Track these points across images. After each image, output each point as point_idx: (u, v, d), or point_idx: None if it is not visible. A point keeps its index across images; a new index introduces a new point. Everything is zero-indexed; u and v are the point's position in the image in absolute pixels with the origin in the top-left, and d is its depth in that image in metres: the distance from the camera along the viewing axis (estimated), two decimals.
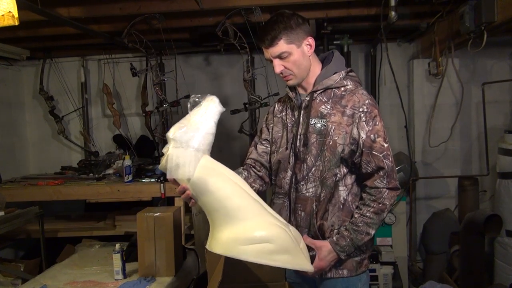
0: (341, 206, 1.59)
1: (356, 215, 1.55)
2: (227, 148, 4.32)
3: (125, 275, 2.35)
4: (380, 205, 1.51)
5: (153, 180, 3.36)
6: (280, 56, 1.57)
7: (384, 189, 1.52)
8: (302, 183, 1.61)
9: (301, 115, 1.63)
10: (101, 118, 4.50)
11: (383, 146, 1.52)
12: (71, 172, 3.96)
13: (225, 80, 4.37)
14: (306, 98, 1.63)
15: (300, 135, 1.62)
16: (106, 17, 3.27)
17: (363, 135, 1.52)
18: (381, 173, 1.52)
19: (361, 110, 1.53)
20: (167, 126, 4.26)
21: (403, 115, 3.48)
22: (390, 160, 1.54)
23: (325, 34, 3.64)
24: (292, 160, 1.64)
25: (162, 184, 3.28)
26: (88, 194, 3.39)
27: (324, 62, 1.69)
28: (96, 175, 3.67)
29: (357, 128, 1.52)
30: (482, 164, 3.99)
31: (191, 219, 3.48)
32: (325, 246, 1.54)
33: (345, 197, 1.59)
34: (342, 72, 1.61)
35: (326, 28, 3.57)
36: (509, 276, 3.21)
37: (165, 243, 2.32)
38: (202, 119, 1.41)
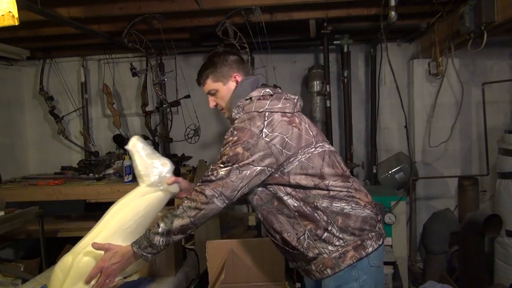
0: (296, 214, 1.59)
1: None
2: None
3: (125, 275, 2.35)
4: (182, 201, 1.57)
5: None
6: (210, 93, 1.76)
7: (195, 191, 1.56)
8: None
9: None
10: (101, 118, 4.50)
11: (217, 164, 1.57)
12: (71, 172, 3.96)
13: None
14: None
15: None
16: (106, 17, 3.27)
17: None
18: (202, 178, 1.58)
19: (225, 137, 1.60)
20: (167, 126, 4.26)
21: (403, 115, 3.48)
22: (214, 174, 1.54)
23: (325, 34, 3.65)
24: None
25: None
26: (88, 194, 3.39)
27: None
28: (96, 175, 3.67)
29: None
30: (482, 164, 3.99)
31: None
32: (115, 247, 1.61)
33: (296, 204, 1.59)
34: (235, 109, 1.65)
35: (326, 28, 3.57)
36: (509, 276, 3.21)
37: None
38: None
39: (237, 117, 1.63)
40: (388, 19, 3.02)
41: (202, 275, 2.56)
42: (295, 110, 1.66)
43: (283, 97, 1.65)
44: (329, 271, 1.58)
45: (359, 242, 1.58)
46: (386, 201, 3.33)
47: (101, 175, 3.68)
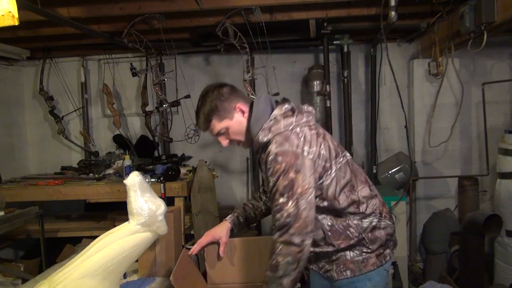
0: (329, 233, 1.60)
1: None
2: (227, 148, 4.31)
3: (125, 275, 2.35)
4: (273, 261, 1.47)
5: (153, 180, 3.36)
6: (219, 133, 1.68)
7: (278, 243, 1.46)
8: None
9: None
10: (101, 118, 4.50)
11: (278, 201, 1.47)
12: (71, 172, 3.96)
13: (225, 80, 4.31)
14: (256, 155, 1.70)
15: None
16: (106, 17, 3.27)
17: (271, 188, 1.52)
18: (276, 225, 1.48)
19: (268, 165, 1.52)
20: (167, 126, 4.26)
21: (403, 115, 3.49)
22: (285, 216, 1.44)
23: (325, 34, 3.65)
24: None
25: (162, 184, 3.27)
26: (88, 194, 3.39)
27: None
28: (96, 175, 3.67)
29: (269, 182, 1.53)
30: (482, 164, 3.99)
31: (191, 219, 3.48)
32: None
33: (330, 223, 1.60)
34: (261, 132, 1.58)
35: (326, 28, 3.57)
36: (509, 276, 3.21)
37: (165, 243, 2.32)
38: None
39: (265, 139, 1.56)
40: (388, 19, 3.02)
41: (202, 275, 2.55)
42: (316, 122, 1.64)
43: (304, 110, 1.61)
44: (348, 273, 1.61)
45: (381, 251, 1.63)
46: (386, 201, 3.32)
47: (101, 175, 3.68)
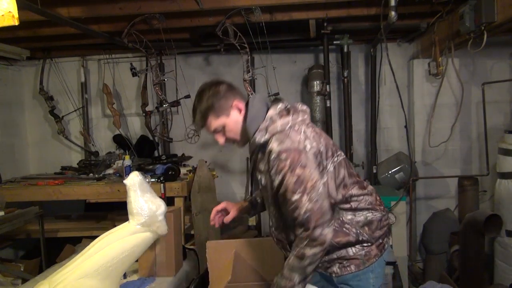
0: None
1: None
2: (227, 147, 4.31)
3: (125, 275, 2.35)
4: (299, 253, 1.49)
5: (153, 180, 3.36)
6: (216, 131, 1.65)
7: (302, 239, 1.49)
8: (273, 228, 1.72)
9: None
10: (101, 118, 4.50)
11: (291, 199, 1.48)
12: (71, 172, 3.96)
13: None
14: (251, 157, 1.68)
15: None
16: (106, 17, 3.28)
17: (277, 188, 1.53)
18: (296, 222, 1.51)
19: (271, 164, 1.51)
20: (167, 126, 4.26)
21: (403, 115, 3.49)
22: (302, 213, 1.46)
23: (325, 34, 3.65)
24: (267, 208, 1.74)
25: (162, 184, 3.27)
26: (88, 194, 3.39)
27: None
28: (96, 175, 3.67)
29: (273, 182, 1.53)
30: (482, 164, 3.99)
31: (191, 219, 3.48)
32: None
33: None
34: (258, 133, 1.57)
35: (326, 28, 3.58)
36: (509, 276, 3.21)
37: (165, 243, 2.32)
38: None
39: (262, 140, 1.55)
40: (388, 19, 3.02)
41: (202, 275, 2.56)
42: (310, 121, 1.64)
43: (299, 109, 1.61)
44: (353, 267, 1.62)
45: (380, 241, 1.65)
46: (386, 201, 3.32)
47: (101, 175, 3.68)
